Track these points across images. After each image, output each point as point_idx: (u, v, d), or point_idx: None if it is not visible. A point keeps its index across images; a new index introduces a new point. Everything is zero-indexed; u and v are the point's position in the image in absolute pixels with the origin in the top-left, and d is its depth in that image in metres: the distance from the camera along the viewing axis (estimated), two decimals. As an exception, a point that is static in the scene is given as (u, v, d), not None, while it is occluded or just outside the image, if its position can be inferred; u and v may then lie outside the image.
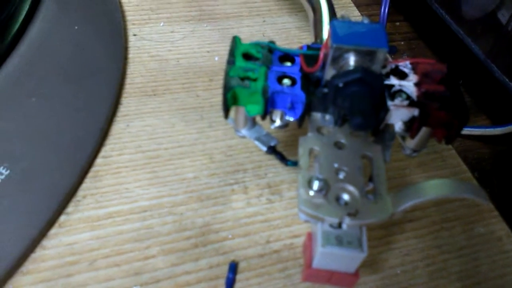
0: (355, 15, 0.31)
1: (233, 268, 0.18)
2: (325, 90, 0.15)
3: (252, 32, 0.28)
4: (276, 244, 0.19)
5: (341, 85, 0.14)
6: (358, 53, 0.14)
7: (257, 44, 0.16)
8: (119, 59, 0.25)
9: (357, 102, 0.13)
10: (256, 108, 0.15)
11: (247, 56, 0.16)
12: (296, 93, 0.15)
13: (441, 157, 0.24)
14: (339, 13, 0.31)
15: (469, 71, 0.43)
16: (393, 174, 0.23)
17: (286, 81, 0.15)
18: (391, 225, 0.21)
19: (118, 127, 0.22)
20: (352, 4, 0.32)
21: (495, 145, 0.40)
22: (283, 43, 0.29)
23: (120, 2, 0.28)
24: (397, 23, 0.50)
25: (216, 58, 0.26)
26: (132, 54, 0.26)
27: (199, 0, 0.30)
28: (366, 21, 0.15)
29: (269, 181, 0.21)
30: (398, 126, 0.15)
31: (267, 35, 0.28)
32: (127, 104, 0.23)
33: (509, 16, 0.35)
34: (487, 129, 0.39)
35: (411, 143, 0.16)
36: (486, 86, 0.38)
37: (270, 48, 0.16)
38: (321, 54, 0.15)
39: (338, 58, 0.14)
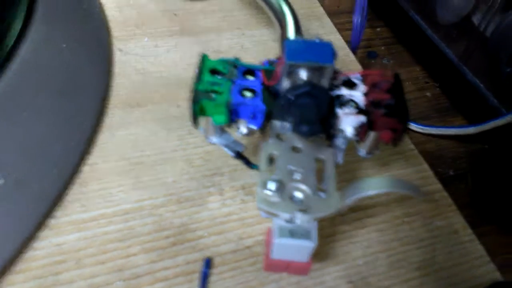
0: (329, 25, 0.33)
1: (208, 263, 0.20)
2: (282, 101, 0.17)
3: (231, 45, 0.30)
4: (248, 241, 0.21)
5: (292, 97, 0.16)
6: (308, 68, 0.16)
7: (223, 61, 0.18)
8: (105, 73, 0.27)
9: (304, 113, 0.15)
10: (221, 118, 0.17)
11: (214, 72, 0.18)
12: (256, 104, 0.17)
13: (404, 158, 0.25)
14: (313, 23, 0.33)
15: (445, 74, 0.45)
16: (359, 174, 0.24)
17: (248, 94, 0.17)
18: (354, 220, 0.22)
19: (103, 137, 0.24)
20: (326, 15, 0.33)
21: (470, 144, 0.42)
22: (260, 55, 0.31)
23: (106, 20, 0.30)
24: (378, 29, 0.53)
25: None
26: (117, 68, 0.28)
27: (182, 15, 0.31)
28: (317, 40, 0.17)
29: (244, 183, 0.23)
30: (349, 131, 0.17)
31: (246, 48, 0.30)
32: (112, 115, 0.25)
33: (481, 18, 0.37)
34: (461, 129, 0.41)
35: (364, 146, 0.18)
36: (461, 88, 0.40)
37: (235, 64, 0.18)
38: (278, 69, 0.17)
39: (291, 73, 0.16)
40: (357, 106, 0.17)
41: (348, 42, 0.36)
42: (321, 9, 0.33)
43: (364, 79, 0.18)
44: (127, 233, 0.21)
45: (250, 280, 0.20)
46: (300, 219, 0.15)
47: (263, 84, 0.17)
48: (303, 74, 0.16)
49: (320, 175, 0.17)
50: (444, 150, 0.42)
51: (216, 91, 0.17)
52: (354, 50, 0.35)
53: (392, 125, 0.17)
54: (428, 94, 0.46)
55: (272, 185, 0.15)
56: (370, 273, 0.21)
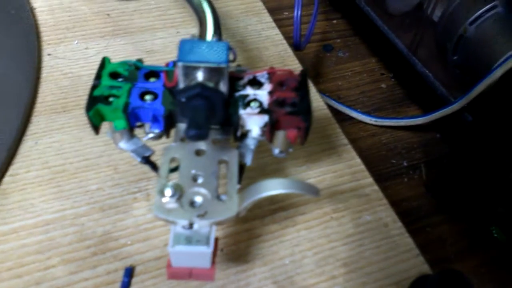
0: (267, 20, 0.32)
1: (129, 272, 0.20)
2: (177, 103, 0.16)
3: (165, 43, 0.30)
4: (174, 246, 0.21)
5: (183, 99, 0.15)
6: (203, 69, 0.15)
7: (124, 63, 0.17)
8: (31, 80, 0.26)
9: (193, 115, 0.15)
10: (121, 123, 0.16)
11: (115, 75, 0.17)
12: (156, 107, 0.16)
13: (337, 153, 0.25)
14: (252, 19, 0.33)
15: (397, 65, 0.45)
16: (291, 171, 0.24)
17: (148, 97, 0.17)
18: (284, 219, 0.22)
19: (26, 146, 0.24)
20: (265, 10, 0.33)
21: (424, 133, 0.43)
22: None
23: (36, 24, 0.29)
24: (334, 21, 0.52)
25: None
26: (45, 73, 0.27)
27: (115, 16, 0.31)
28: (214, 39, 0.16)
29: (172, 187, 0.23)
30: (255, 132, 0.17)
31: (180, 46, 0.30)
32: (37, 122, 0.25)
33: (431, 6, 0.37)
34: (412, 119, 0.41)
35: (275, 145, 0.18)
36: (412, 78, 0.41)
37: (137, 65, 0.17)
38: (176, 71, 0.16)
39: (188, 74, 0.16)
40: (260, 106, 0.17)
41: (289, 38, 0.36)
42: (261, 4, 0.33)
43: (270, 78, 0.17)
44: (47, 244, 0.20)
45: (173, 287, 0.20)
46: (198, 224, 0.15)
47: (164, 86, 0.17)
48: (199, 75, 0.15)
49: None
50: (398, 141, 0.42)
51: (114, 95, 0.16)
52: (297, 44, 0.34)
53: (295, 123, 0.16)
54: (383, 85, 0.46)
55: (169, 192, 0.15)
56: (296, 272, 0.20)
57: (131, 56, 0.28)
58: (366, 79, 0.46)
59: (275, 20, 0.49)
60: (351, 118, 0.42)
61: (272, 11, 0.50)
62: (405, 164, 0.40)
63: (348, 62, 0.48)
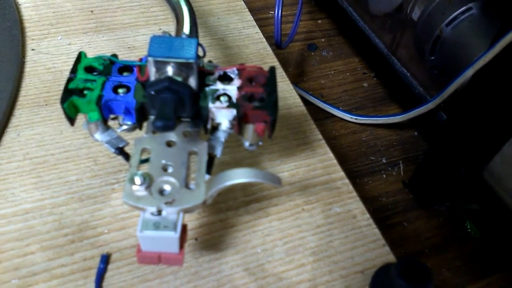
0: (248, 19, 0.33)
1: (105, 259, 0.20)
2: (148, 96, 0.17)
3: (147, 40, 0.30)
4: (149, 235, 0.22)
5: (153, 92, 0.16)
6: (173, 64, 0.16)
7: (99, 58, 0.18)
8: (14, 74, 0.27)
9: (162, 107, 0.15)
10: (95, 115, 0.17)
11: (90, 69, 0.18)
12: (128, 100, 0.17)
13: (311, 148, 0.26)
14: (232, 18, 0.33)
15: (378, 64, 0.47)
16: (266, 165, 0.25)
17: (121, 90, 0.17)
18: (258, 210, 0.23)
19: (8, 137, 0.24)
20: (246, 10, 0.34)
21: (403, 131, 0.44)
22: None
23: (20, 19, 0.30)
24: (319, 21, 0.53)
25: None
26: (28, 67, 0.28)
27: (98, 12, 0.31)
28: (184, 35, 0.17)
29: (150, 179, 0.24)
30: (225, 125, 0.18)
31: (162, 43, 0.30)
32: (19, 115, 0.25)
33: (411, 7, 0.38)
34: (390, 118, 0.42)
35: (246, 138, 0.19)
36: (392, 78, 0.42)
37: (111, 60, 0.18)
38: (147, 65, 0.17)
39: (159, 69, 0.17)
40: (229, 100, 0.17)
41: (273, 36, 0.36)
42: (242, 3, 0.34)
43: (240, 73, 0.18)
44: (26, 232, 0.21)
45: (147, 274, 0.20)
46: (166, 211, 0.16)
47: (137, 80, 0.18)
48: (169, 70, 0.16)
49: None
50: (378, 139, 0.43)
51: (89, 88, 0.17)
52: (278, 43, 0.35)
53: (262, 117, 0.17)
54: (365, 84, 0.47)
55: (138, 180, 0.16)
56: (267, 260, 0.21)
57: (113, 52, 0.29)
58: (348, 78, 0.47)
59: (261, 19, 0.50)
60: (333, 115, 0.43)
61: (258, 10, 0.51)
62: (384, 161, 0.41)
63: (332, 61, 0.49)
